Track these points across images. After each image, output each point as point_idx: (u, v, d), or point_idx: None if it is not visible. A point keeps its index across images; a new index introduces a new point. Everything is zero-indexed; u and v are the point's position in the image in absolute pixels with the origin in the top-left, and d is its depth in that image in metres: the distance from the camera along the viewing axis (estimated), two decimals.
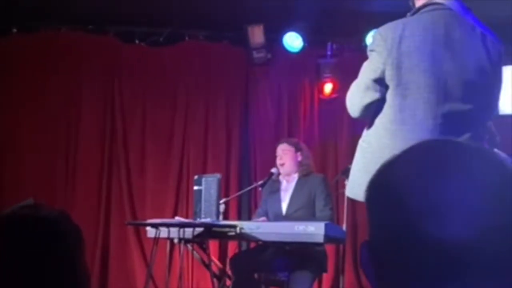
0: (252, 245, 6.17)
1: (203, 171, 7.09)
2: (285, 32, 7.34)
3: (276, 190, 5.77)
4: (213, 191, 5.37)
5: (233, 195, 6.87)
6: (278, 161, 5.72)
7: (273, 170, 5.78)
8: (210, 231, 5.16)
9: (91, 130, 7.34)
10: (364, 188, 1.02)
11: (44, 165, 7.14)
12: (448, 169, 0.91)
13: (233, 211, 7.23)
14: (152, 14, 7.00)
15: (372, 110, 2.93)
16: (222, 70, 7.60)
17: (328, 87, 7.57)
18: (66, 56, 7.27)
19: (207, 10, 6.83)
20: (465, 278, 0.87)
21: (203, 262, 5.69)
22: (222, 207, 5.58)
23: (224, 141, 7.55)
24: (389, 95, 2.86)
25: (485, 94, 2.90)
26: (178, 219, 5.65)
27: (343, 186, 5.81)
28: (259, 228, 5.06)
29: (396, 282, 0.93)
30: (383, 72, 2.85)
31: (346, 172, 5.20)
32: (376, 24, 3.24)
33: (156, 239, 5.21)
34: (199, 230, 5.10)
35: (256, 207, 6.77)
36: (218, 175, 5.51)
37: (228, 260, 6.10)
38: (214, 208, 5.34)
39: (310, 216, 5.42)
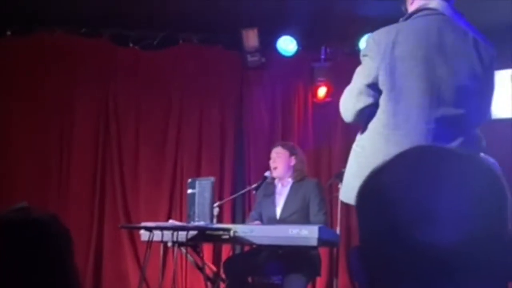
0: (246, 248, 6.17)
1: (197, 174, 7.09)
2: (279, 36, 7.35)
3: (270, 193, 5.77)
4: (207, 194, 5.37)
5: (227, 199, 6.87)
6: (272, 164, 5.73)
7: (267, 173, 5.79)
8: (203, 234, 5.16)
9: (85, 133, 7.33)
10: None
11: (37, 168, 7.13)
12: (438, 175, 0.92)
13: (227, 214, 7.23)
14: (146, 18, 7.01)
15: (366, 115, 2.95)
16: (216, 74, 7.60)
17: (322, 91, 7.58)
18: (60, 59, 7.26)
19: (201, 14, 6.84)
20: (455, 281, 0.88)
21: (196, 265, 5.69)
22: (216, 211, 5.58)
23: (218, 145, 7.55)
24: (382, 100, 2.87)
25: (477, 99, 2.92)
26: (172, 222, 5.65)
27: (337, 190, 5.81)
28: (253, 231, 5.06)
29: (387, 286, 0.94)
30: (376, 77, 2.86)
31: (339, 176, 5.20)
32: (370, 29, 3.26)
33: (150, 242, 5.20)
34: (192, 233, 5.10)
35: (250, 210, 6.77)
36: (212, 178, 5.51)
37: (221, 264, 6.09)
38: (208, 212, 5.33)
39: (304, 220, 5.42)
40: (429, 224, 0.88)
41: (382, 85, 2.85)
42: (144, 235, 5.46)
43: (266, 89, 7.66)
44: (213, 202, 5.43)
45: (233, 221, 7.17)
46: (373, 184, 0.99)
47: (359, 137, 3.04)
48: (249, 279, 5.63)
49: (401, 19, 3.02)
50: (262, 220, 5.68)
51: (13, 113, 7.13)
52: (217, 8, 6.70)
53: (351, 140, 3.13)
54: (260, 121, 7.62)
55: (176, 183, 7.40)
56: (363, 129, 2.99)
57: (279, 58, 7.46)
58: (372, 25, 3.22)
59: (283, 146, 5.84)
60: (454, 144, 2.78)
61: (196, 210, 5.38)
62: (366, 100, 2.91)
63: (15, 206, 1.66)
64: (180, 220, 6.32)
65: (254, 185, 5.94)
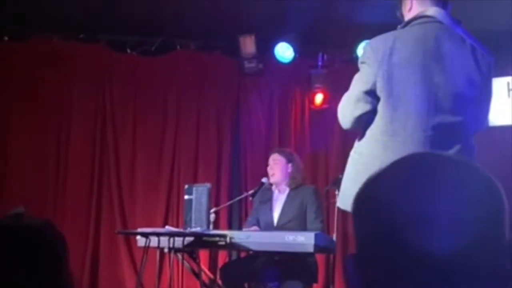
0: (243, 254, 6.16)
1: (194, 180, 7.09)
2: (276, 43, 7.36)
3: (268, 199, 5.77)
4: (204, 201, 5.37)
5: (224, 205, 6.87)
6: (269, 171, 5.74)
7: (264, 179, 5.79)
8: (200, 240, 5.15)
9: (82, 138, 7.31)
10: None
11: (34, 173, 7.11)
12: (435, 182, 0.93)
13: (223, 220, 7.22)
14: (143, 23, 7.01)
15: (364, 121, 2.95)
16: (213, 80, 7.60)
17: (319, 98, 7.59)
18: (57, 65, 7.25)
19: (199, 20, 6.84)
20: (452, 287, 0.88)
21: (193, 271, 5.68)
22: (212, 217, 5.59)
23: (215, 151, 7.55)
24: (380, 107, 2.88)
25: (475, 106, 2.93)
26: (168, 228, 5.64)
27: (334, 196, 5.83)
28: (249, 237, 5.06)
29: None
30: (374, 84, 2.87)
31: (336, 183, 5.21)
32: (367, 36, 3.27)
33: (146, 248, 5.19)
34: (189, 239, 5.10)
35: (246, 216, 6.77)
36: (209, 185, 5.52)
37: (218, 270, 6.09)
38: (204, 218, 5.34)
39: (301, 227, 5.42)
40: (426, 231, 0.89)
41: (380, 92, 2.86)
42: (140, 241, 5.46)
43: (263, 96, 7.66)
44: (209, 208, 5.43)
45: (230, 227, 7.17)
46: (369, 191, 0.99)
47: (357, 144, 3.05)
48: (246, 285, 5.62)
49: (399, 26, 3.03)
50: (259, 226, 5.68)
51: (10, 119, 7.11)
52: (215, 15, 6.71)
53: (348, 146, 3.13)
54: (257, 127, 7.62)
55: (173, 189, 7.39)
56: (361, 135, 3.00)
57: (277, 64, 7.47)
58: (369, 32, 3.23)
59: (281, 152, 5.85)
60: (451, 152, 2.79)
61: (193, 216, 5.38)
62: (364, 107, 2.91)
63: (11, 211, 1.66)
64: (177, 226, 6.31)
65: (251, 191, 5.94)
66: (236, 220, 7.42)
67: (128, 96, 7.46)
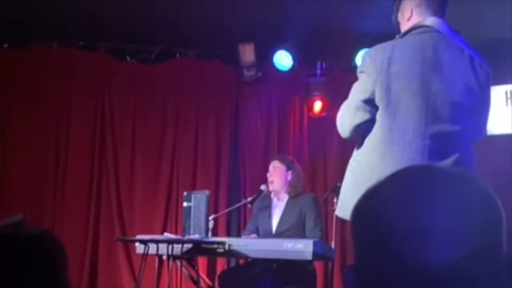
0: (241, 262, 6.16)
1: (193, 187, 7.09)
2: (275, 51, 7.38)
3: (266, 206, 5.78)
4: (202, 208, 5.38)
5: (222, 212, 6.87)
6: (268, 178, 5.75)
7: (263, 187, 5.79)
8: (199, 247, 5.16)
9: (81, 145, 7.31)
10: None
11: (33, 180, 7.11)
12: (432, 195, 0.94)
13: (222, 227, 7.22)
14: (143, 32, 7.02)
15: (362, 130, 2.96)
16: (212, 88, 7.61)
17: (317, 106, 7.60)
18: (57, 72, 7.25)
19: (198, 28, 6.86)
20: None
21: (191, 278, 5.68)
22: (211, 224, 5.59)
23: (214, 158, 7.55)
24: (379, 116, 2.89)
25: (473, 115, 2.94)
26: (167, 235, 5.64)
27: (332, 204, 5.83)
28: (247, 245, 5.06)
29: None
30: (372, 93, 2.88)
31: (335, 190, 5.23)
32: (366, 44, 3.29)
33: (145, 255, 5.19)
34: (188, 246, 5.10)
35: (245, 223, 6.77)
36: (207, 192, 5.52)
37: (216, 277, 6.09)
38: (203, 225, 5.34)
39: (300, 236, 5.42)
40: (424, 243, 0.89)
41: (379, 101, 2.87)
42: (139, 248, 5.46)
43: (262, 103, 7.67)
44: (208, 215, 5.43)
45: (228, 234, 7.17)
46: (368, 203, 1.00)
47: (355, 153, 3.06)
48: None
49: (397, 35, 3.05)
50: (258, 233, 5.69)
51: (9, 125, 7.11)
52: (214, 23, 6.72)
53: (346, 154, 3.14)
54: (255, 135, 7.63)
55: (172, 196, 7.39)
56: (360, 144, 3.01)
57: (275, 72, 7.47)
58: (368, 41, 3.26)
59: (281, 160, 5.85)
60: (449, 161, 2.80)
61: (192, 223, 5.38)
62: (363, 116, 2.93)
63: (10, 218, 1.66)
64: (175, 233, 6.31)
65: (249, 198, 5.94)
66: (234, 227, 7.42)
67: (127, 103, 7.46)
